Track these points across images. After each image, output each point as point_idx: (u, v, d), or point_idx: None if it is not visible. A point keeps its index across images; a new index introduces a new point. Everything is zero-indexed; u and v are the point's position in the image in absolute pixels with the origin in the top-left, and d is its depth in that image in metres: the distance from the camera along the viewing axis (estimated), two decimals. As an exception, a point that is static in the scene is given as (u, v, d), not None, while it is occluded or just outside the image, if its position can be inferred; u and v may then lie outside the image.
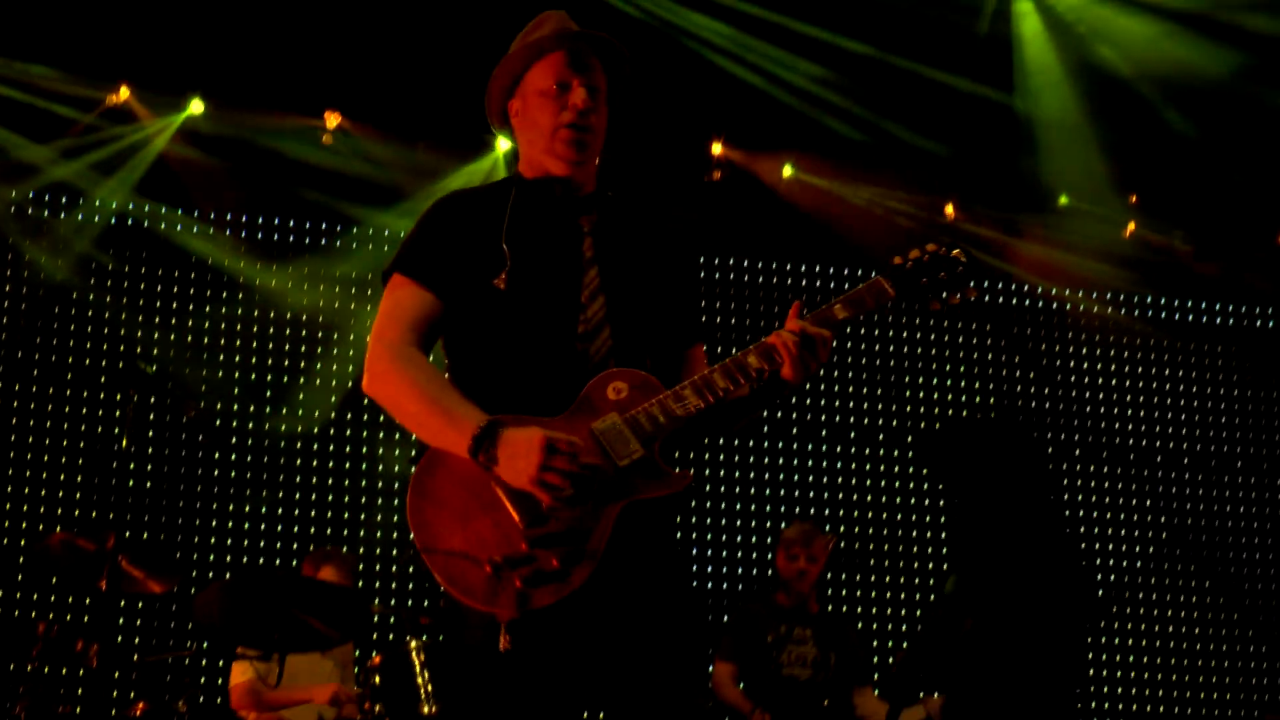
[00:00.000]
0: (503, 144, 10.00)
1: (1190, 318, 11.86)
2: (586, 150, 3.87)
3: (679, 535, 3.90)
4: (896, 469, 10.82)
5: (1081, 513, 11.20)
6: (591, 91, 3.87)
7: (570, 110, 3.82)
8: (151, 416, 9.35)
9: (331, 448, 9.75)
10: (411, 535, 3.51)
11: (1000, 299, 11.45)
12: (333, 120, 9.72)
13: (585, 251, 3.84)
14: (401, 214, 9.99)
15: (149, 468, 9.36)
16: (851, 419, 10.89)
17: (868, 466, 10.80)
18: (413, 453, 3.65)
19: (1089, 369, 11.53)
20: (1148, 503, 11.40)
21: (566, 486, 3.43)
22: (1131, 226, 11.28)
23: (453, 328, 3.82)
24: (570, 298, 3.75)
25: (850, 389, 10.99)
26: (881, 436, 10.85)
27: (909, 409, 11.01)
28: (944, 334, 11.22)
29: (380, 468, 9.76)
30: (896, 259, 3.85)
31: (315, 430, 9.73)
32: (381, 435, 9.80)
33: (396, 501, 9.69)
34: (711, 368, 3.68)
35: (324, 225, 10.11)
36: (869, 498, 10.76)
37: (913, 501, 10.81)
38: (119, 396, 9.30)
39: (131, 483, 9.24)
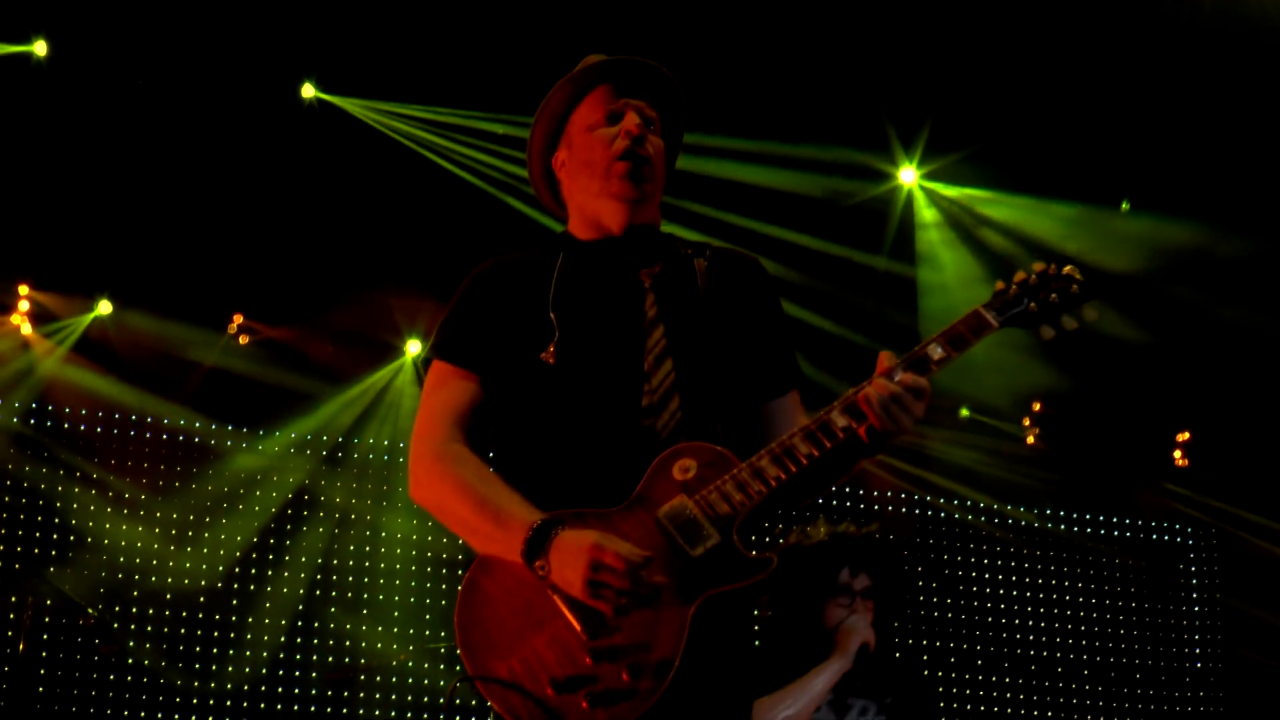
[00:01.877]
0: (412, 348, 10.04)
1: (1089, 530, 12.00)
2: (645, 184, 3.43)
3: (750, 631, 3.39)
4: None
5: (985, 724, 11.19)
6: (645, 120, 3.47)
7: (624, 137, 3.41)
8: (47, 619, 9.12)
9: (231, 651, 9.55)
10: (462, 659, 3.07)
11: (904, 509, 11.53)
12: (238, 330, 9.75)
13: (647, 310, 3.36)
14: (302, 422, 10.00)
15: (41, 672, 9.11)
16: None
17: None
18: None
19: (990, 579, 11.60)
20: (1049, 713, 11.40)
21: (622, 599, 2.97)
22: (1031, 439, 11.49)
23: (502, 411, 3.38)
24: (631, 367, 3.28)
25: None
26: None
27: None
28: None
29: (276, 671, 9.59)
30: (999, 284, 3.32)
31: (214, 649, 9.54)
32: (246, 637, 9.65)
33: (296, 706, 9.52)
34: (791, 431, 3.18)
35: (229, 427, 10.04)
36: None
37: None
38: (13, 599, 9.09)
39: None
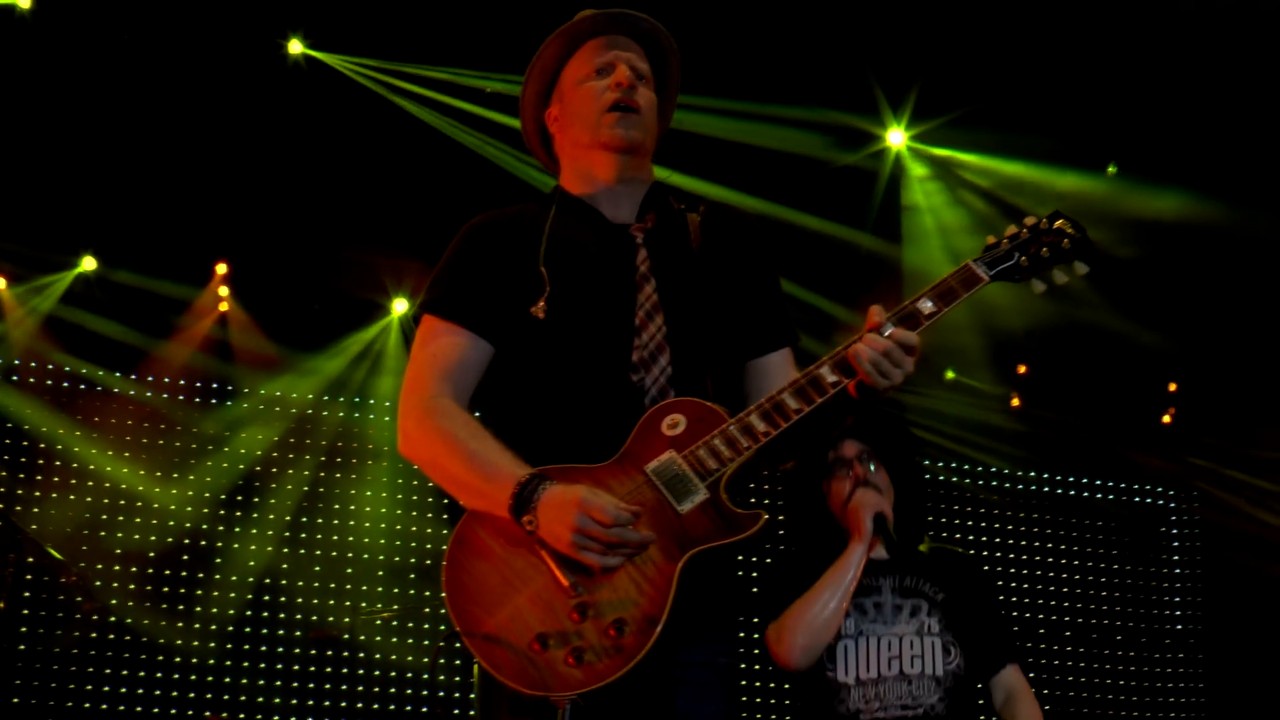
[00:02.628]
0: (399, 307, 10.00)
1: (1073, 493, 12.03)
2: (635, 131, 3.39)
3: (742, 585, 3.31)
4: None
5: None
6: (636, 72, 3.44)
7: (613, 89, 3.39)
8: (29, 577, 9.10)
9: (214, 609, 9.54)
10: (449, 614, 3.05)
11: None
12: (220, 288, 9.72)
13: (639, 265, 3.34)
14: (285, 380, 9.98)
15: (23, 630, 9.10)
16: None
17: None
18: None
19: (972, 540, 11.63)
20: (1030, 675, 11.42)
21: (609, 554, 2.97)
22: (1016, 402, 11.51)
23: (494, 366, 3.36)
24: (621, 321, 3.26)
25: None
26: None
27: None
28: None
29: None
30: (990, 239, 3.31)
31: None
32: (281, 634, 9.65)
33: (279, 665, 9.53)
34: (780, 387, 3.15)
35: (213, 385, 10.00)
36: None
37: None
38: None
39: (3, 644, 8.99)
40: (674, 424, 3.13)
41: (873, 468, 4.73)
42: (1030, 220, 3.32)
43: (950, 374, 11.21)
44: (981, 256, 3.28)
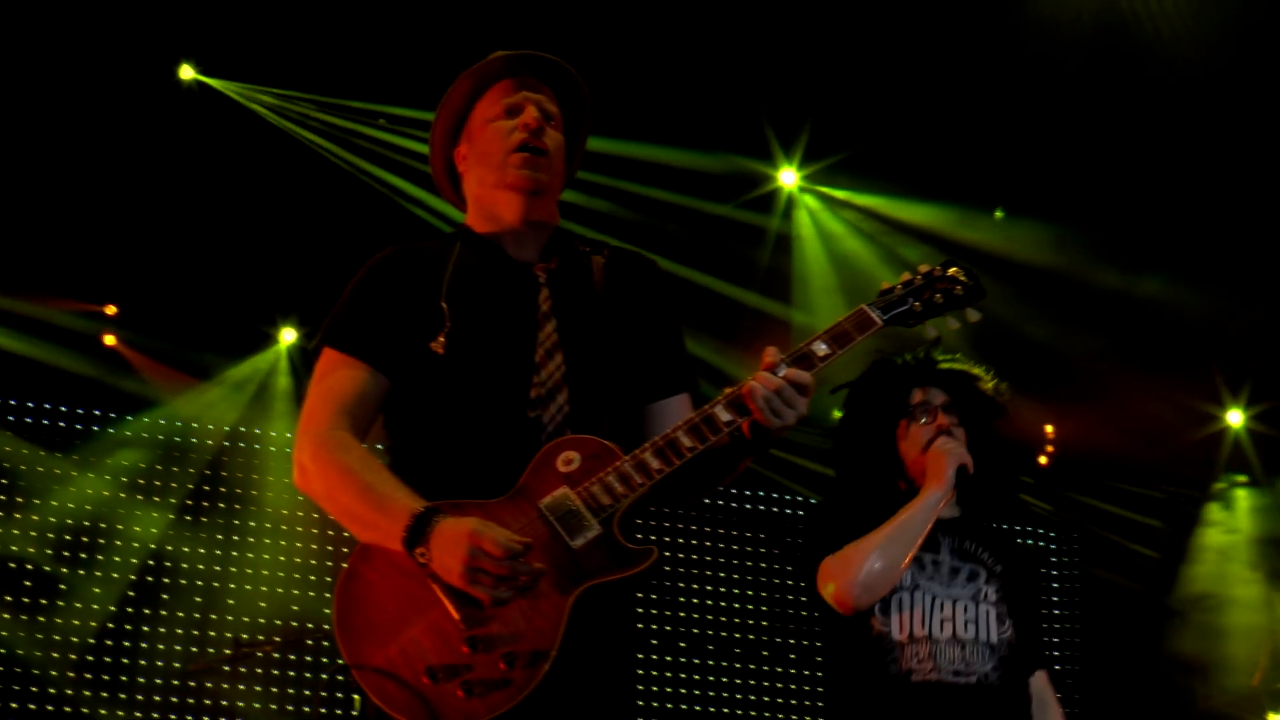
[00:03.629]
0: (287, 336, 9.91)
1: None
2: (541, 173, 3.43)
3: (638, 622, 3.43)
4: (669, 674, 10.75)
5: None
6: (545, 114, 3.48)
7: (521, 129, 3.42)
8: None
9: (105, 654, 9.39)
10: (338, 647, 3.06)
11: (776, 509, 11.58)
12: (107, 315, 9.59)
13: (541, 304, 3.37)
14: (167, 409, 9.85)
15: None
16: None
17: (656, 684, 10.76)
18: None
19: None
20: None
21: (500, 586, 2.97)
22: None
23: (393, 401, 3.37)
24: (520, 359, 3.29)
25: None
26: (654, 642, 10.80)
27: (682, 614, 10.98)
28: (720, 540, 11.28)
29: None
30: (885, 284, 3.40)
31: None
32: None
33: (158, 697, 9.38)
34: (675, 425, 3.18)
35: (96, 412, 9.85)
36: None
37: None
38: None
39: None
40: (569, 460, 3.16)
41: (957, 419, 4.56)
42: (925, 267, 3.43)
43: (837, 414, 11.25)
44: (876, 301, 3.36)
